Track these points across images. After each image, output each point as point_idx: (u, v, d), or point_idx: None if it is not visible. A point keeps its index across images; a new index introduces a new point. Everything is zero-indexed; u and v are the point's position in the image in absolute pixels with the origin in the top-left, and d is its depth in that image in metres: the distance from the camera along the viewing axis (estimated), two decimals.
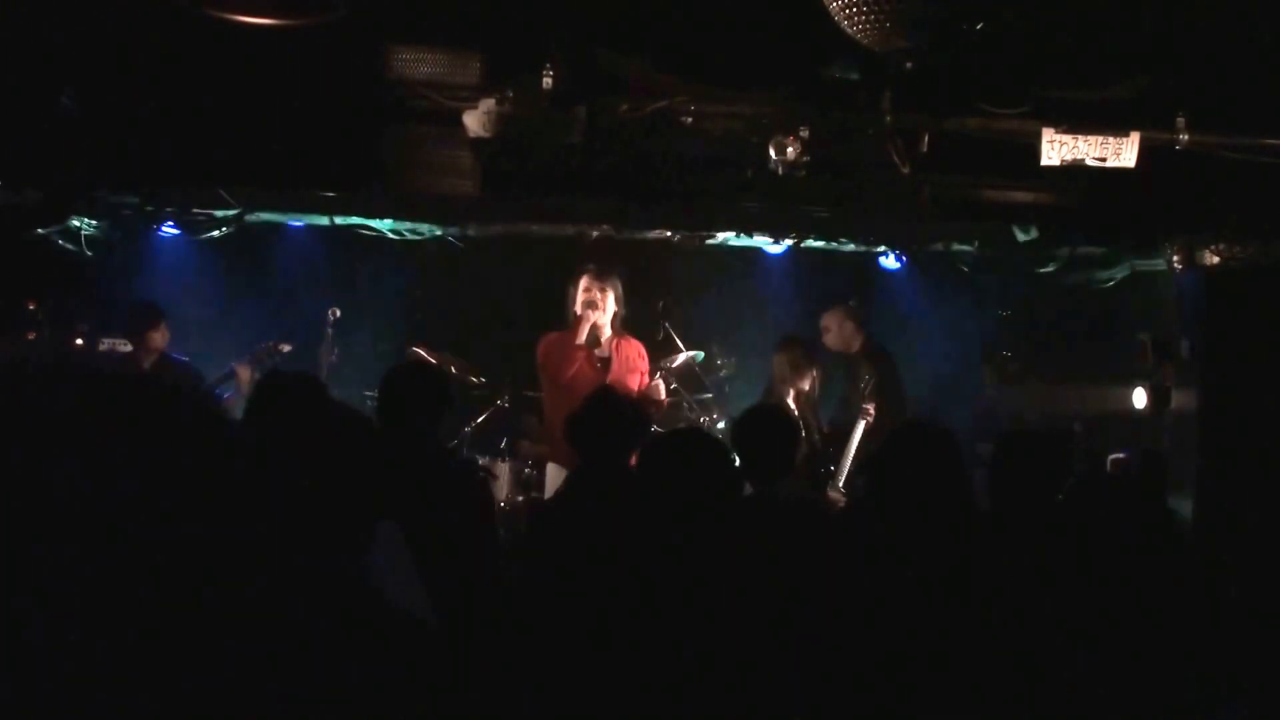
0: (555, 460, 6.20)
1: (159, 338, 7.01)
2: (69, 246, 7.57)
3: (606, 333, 6.34)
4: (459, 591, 3.38)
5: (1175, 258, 6.54)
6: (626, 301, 6.48)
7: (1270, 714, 3.37)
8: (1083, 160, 5.60)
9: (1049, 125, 5.61)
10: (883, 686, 3.17)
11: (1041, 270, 7.98)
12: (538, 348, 6.33)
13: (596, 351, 6.33)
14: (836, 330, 7.51)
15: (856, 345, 7.49)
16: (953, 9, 4.26)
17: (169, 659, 0.88)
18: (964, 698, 3.16)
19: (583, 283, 6.34)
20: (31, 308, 7.31)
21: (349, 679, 1.92)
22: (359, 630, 2.00)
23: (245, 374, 6.98)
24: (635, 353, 6.47)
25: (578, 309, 6.32)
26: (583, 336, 6.26)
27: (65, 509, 0.67)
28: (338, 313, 7.36)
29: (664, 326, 7.43)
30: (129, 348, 7.13)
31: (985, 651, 3.23)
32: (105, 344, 7.57)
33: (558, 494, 4.51)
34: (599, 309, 6.30)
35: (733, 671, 3.19)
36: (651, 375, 6.54)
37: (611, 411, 4.35)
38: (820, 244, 8.28)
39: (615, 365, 6.29)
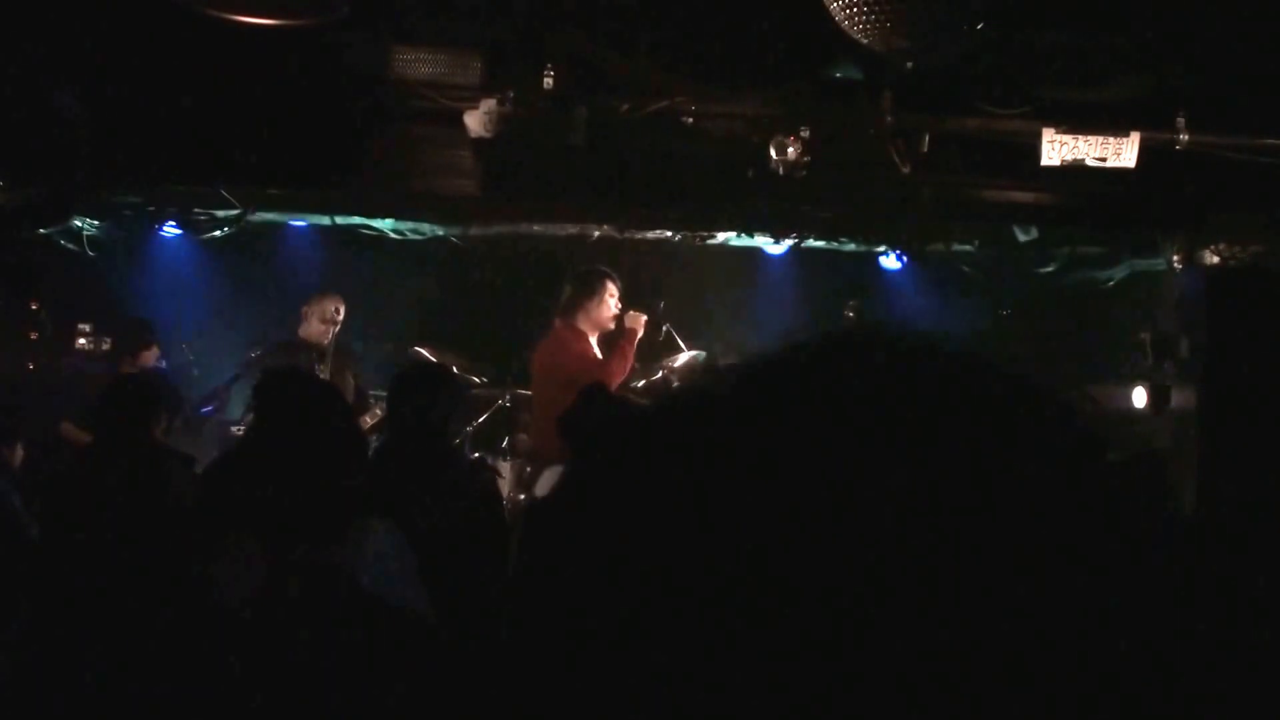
0: (553, 459, 6.19)
1: (150, 357, 6.85)
2: (71, 246, 7.57)
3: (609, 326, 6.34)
4: (468, 588, 3.40)
5: (1175, 258, 6.54)
6: (626, 302, 6.49)
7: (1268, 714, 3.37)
8: (1083, 160, 5.60)
9: (1049, 125, 5.62)
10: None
11: (1041, 270, 7.97)
12: (568, 353, 6.11)
13: (594, 352, 6.35)
14: None
15: None
16: (953, 9, 4.27)
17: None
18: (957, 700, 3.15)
19: (613, 289, 6.26)
20: (33, 307, 7.31)
21: (345, 674, 1.93)
22: (356, 626, 2.01)
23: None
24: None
25: (617, 316, 6.25)
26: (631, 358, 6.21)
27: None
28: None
29: (664, 326, 7.42)
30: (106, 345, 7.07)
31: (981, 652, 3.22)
32: (109, 343, 7.57)
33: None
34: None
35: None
36: (653, 374, 6.52)
37: (604, 407, 4.37)
38: (820, 244, 8.27)
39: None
